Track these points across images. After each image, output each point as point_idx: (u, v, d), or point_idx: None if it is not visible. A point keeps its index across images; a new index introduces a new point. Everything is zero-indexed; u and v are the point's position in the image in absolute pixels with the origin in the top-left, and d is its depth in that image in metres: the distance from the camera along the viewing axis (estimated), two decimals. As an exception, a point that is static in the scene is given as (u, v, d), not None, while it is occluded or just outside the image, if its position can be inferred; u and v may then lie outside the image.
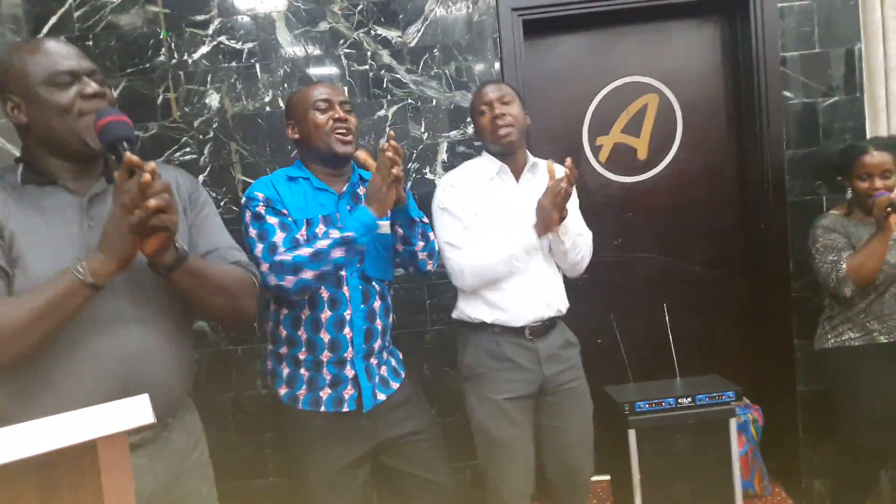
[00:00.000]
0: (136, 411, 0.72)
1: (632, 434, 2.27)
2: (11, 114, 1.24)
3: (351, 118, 1.82)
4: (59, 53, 1.23)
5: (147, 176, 1.06)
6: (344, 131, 1.79)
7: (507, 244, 1.93)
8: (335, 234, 1.65)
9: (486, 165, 2.06)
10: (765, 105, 2.58)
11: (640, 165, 2.78)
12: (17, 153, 2.37)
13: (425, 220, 1.89)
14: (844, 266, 2.20)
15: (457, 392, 2.61)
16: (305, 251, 1.63)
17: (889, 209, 2.10)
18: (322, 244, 1.64)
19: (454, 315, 2.12)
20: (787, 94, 2.58)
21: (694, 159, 2.76)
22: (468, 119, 2.58)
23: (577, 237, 2.00)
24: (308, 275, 1.63)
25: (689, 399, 2.30)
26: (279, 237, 1.69)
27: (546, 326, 2.02)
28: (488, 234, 1.96)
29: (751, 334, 2.79)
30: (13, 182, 1.25)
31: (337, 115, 1.78)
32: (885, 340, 2.27)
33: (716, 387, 2.36)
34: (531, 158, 2.09)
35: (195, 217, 1.41)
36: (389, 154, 1.61)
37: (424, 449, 1.90)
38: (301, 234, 1.73)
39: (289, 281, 1.63)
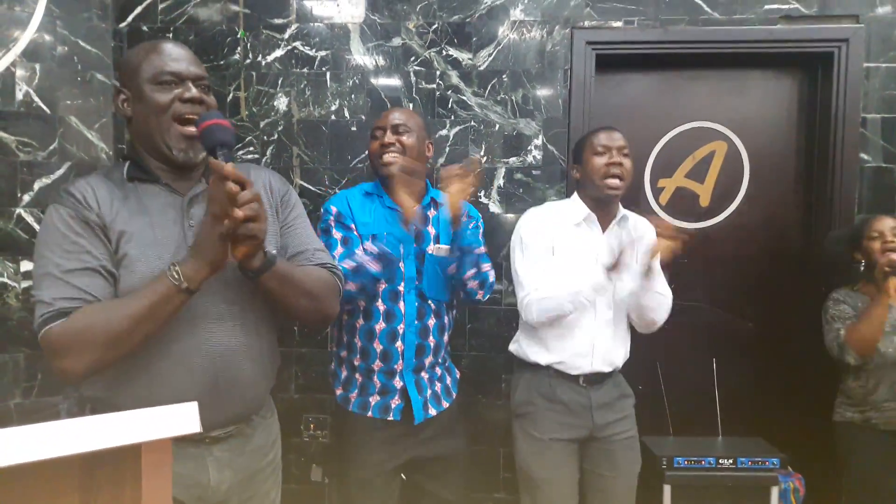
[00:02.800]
0: (183, 418, 0.72)
1: (667, 489, 2.20)
2: (121, 106, 1.30)
3: (404, 139, 1.91)
4: (171, 55, 1.28)
5: (233, 186, 1.09)
6: (387, 154, 1.88)
7: (578, 282, 1.90)
8: (371, 247, 1.74)
9: (573, 210, 2.03)
10: (839, 165, 2.50)
11: (702, 212, 2.71)
12: (91, 136, 2.45)
13: (480, 249, 1.90)
14: (843, 332, 2.18)
15: (488, 421, 2.59)
16: (348, 264, 1.73)
17: (888, 269, 2.07)
18: (361, 258, 1.74)
19: (512, 348, 2.11)
20: (863, 156, 2.49)
21: (758, 212, 2.68)
22: (529, 147, 2.57)
23: (660, 296, 1.97)
24: (351, 287, 1.71)
25: (731, 461, 2.22)
26: (338, 252, 1.82)
27: (602, 377, 2.00)
28: (563, 278, 1.93)
29: (799, 399, 2.67)
30: (118, 180, 1.29)
31: (384, 141, 1.89)
32: (883, 428, 2.20)
33: (760, 451, 2.27)
34: (622, 210, 2.06)
35: (286, 218, 1.44)
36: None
37: (451, 472, 1.97)
38: (367, 247, 1.81)
39: None
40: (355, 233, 1.85)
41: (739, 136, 2.67)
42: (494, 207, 2.59)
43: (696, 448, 2.29)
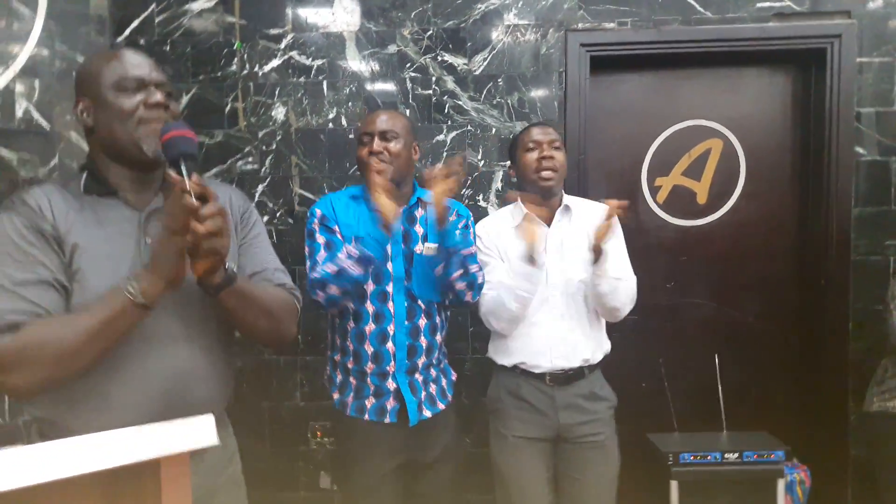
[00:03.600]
0: (201, 432, 0.72)
1: (674, 485, 2.21)
2: (81, 116, 1.26)
3: (390, 146, 1.87)
4: (132, 62, 1.25)
5: (192, 200, 1.05)
6: (375, 163, 1.85)
7: (508, 280, 1.91)
8: (352, 250, 1.72)
9: (512, 214, 2.05)
10: (834, 159, 2.51)
11: (699, 210, 2.72)
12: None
13: (468, 250, 1.87)
14: None
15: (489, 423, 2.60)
16: (330, 268, 1.73)
17: None
18: (342, 262, 1.72)
19: (488, 354, 2.12)
20: (859, 150, 2.50)
21: (755, 208, 2.70)
22: (527, 150, 2.58)
23: (616, 281, 1.91)
24: (333, 290, 1.73)
25: (736, 455, 2.23)
26: (321, 256, 1.82)
27: (569, 376, 1.97)
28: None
29: (803, 392, 2.69)
30: (76, 191, 1.24)
31: (372, 148, 1.86)
32: None
33: (764, 444, 2.28)
34: (566, 200, 2.04)
35: (244, 236, 1.41)
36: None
37: (445, 473, 1.96)
38: (348, 250, 1.78)
39: (320, 297, 1.76)
40: (339, 236, 1.84)
41: (735, 133, 2.69)
42: (493, 210, 2.60)
43: (702, 443, 2.30)
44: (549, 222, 2.02)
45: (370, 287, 1.84)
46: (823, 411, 2.59)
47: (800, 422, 2.67)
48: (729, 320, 2.72)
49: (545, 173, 1.95)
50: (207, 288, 1.19)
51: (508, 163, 2.16)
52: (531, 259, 1.83)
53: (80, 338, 1.09)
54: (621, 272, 1.96)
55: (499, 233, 2.02)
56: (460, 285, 1.86)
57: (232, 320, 1.30)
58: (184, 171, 1.10)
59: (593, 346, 2.00)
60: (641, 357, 2.66)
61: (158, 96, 1.24)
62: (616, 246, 1.99)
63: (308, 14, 2.61)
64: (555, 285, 1.96)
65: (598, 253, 1.84)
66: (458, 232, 1.90)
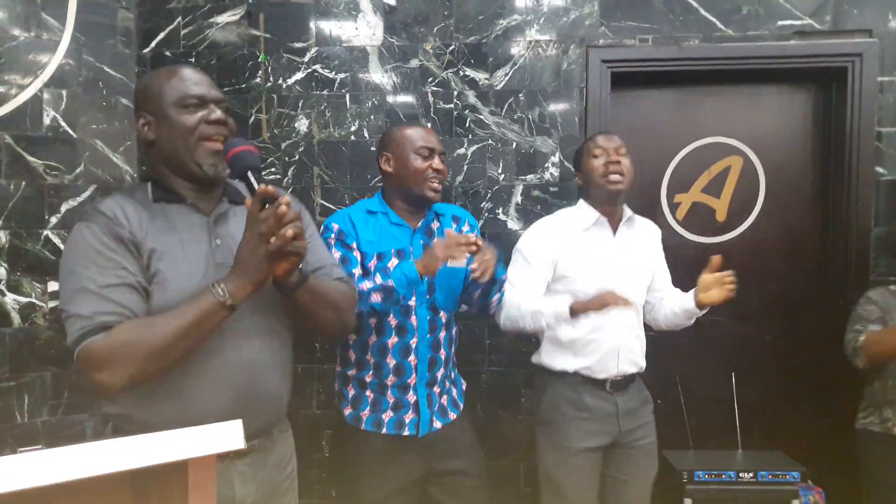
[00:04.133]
0: (228, 435, 0.74)
1: (687, 503, 2.20)
2: (142, 130, 1.32)
3: (445, 169, 1.91)
4: (193, 80, 1.31)
5: (284, 208, 1.14)
6: (438, 182, 1.87)
7: (542, 302, 1.93)
8: (379, 279, 1.72)
9: (582, 214, 2.06)
10: (855, 179, 2.51)
11: (718, 227, 2.73)
12: (116, 159, 2.50)
13: (505, 276, 1.92)
14: (863, 338, 2.15)
15: (509, 435, 2.61)
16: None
17: None
18: (365, 286, 1.72)
19: (534, 359, 2.12)
20: (879, 169, 2.50)
21: (774, 226, 2.70)
22: (546, 164, 2.60)
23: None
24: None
25: (751, 474, 2.23)
26: None
27: (626, 381, 2.02)
28: (580, 284, 1.97)
29: (818, 412, 2.67)
30: (143, 200, 1.31)
31: (436, 166, 1.87)
32: None
33: (780, 465, 2.28)
34: (628, 212, 2.09)
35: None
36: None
37: (468, 487, 1.94)
38: (371, 266, 1.81)
39: None
40: (355, 252, 1.84)
41: (755, 151, 2.69)
42: (512, 224, 2.62)
43: (717, 462, 2.30)
44: (614, 230, 2.06)
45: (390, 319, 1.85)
46: (838, 432, 2.57)
47: (815, 442, 2.66)
48: (746, 338, 2.72)
49: (613, 177, 1.98)
50: (284, 287, 1.27)
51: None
52: (576, 316, 1.88)
53: (169, 337, 1.16)
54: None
55: (564, 232, 2.03)
56: (493, 307, 1.93)
57: (304, 315, 1.38)
58: (253, 183, 1.19)
59: (643, 352, 2.09)
60: (658, 373, 2.65)
61: (218, 113, 1.31)
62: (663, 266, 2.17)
63: (331, 28, 2.65)
64: (622, 293, 1.97)
65: (705, 307, 1.98)
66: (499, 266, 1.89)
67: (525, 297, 1.95)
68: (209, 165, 1.29)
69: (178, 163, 1.30)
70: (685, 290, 2.71)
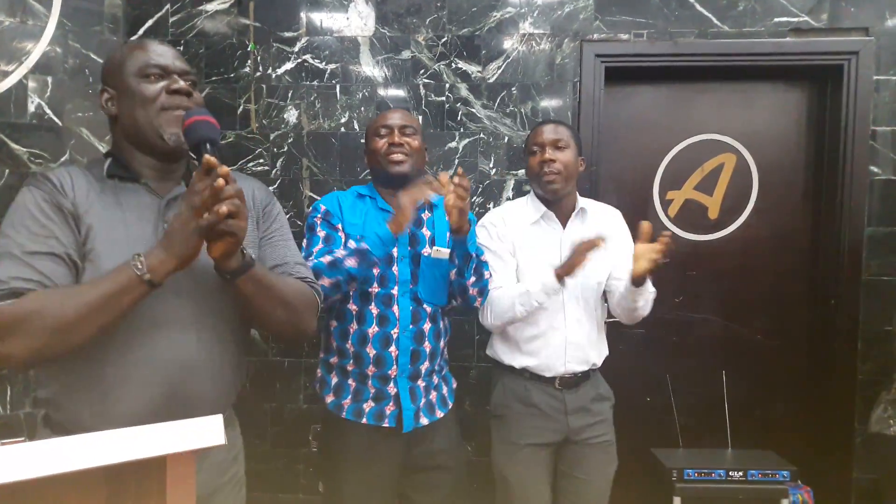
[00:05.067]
0: (208, 431, 0.73)
1: (677, 501, 2.21)
2: (105, 105, 1.28)
3: (411, 141, 1.86)
4: (156, 51, 1.26)
5: (221, 181, 1.05)
6: (397, 154, 1.84)
7: (526, 283, 1.90)
8: (352, 244, 1.70)
9: (529, 208, 2.03)
10: (848, 177, 2.50)
11: (710, 225, 2.71)
12: (102, 147, 2.47)
13: (483, 257, 1.89)
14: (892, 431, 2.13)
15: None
16: (325, 259, 1.70)
17: None
18: (339, 253, 1.70)
19: (488, 351, 2.11)
20: (873, 168, 2.49)
21: (766, 224, 2.68)
22: (538, 159, 2.57)
23: (648, 294, 1.94)
24: (325, 282, 1.67)
25: (741, 473, 2.22)
26: (318, 248, 1.79)
27: (578, 379, 1.98)
28: (530, 279, 1.93)
29: (809, 411, 2.66)
30: (98, 175, 1.25)
31: (394, 140, 1.84)
32: None
33: (770, 464, 2.27)
34: (581, 202, 2.04)
35: (266, 229, 1.41)
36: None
37: (445, 483, 1.92)
38: (351, 244, 1.77)
39: None
40: (340, 233, 1.82)
41: (748, 148, 2.67)
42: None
43: (706, 460, 2.29)
44: (563, 223, 2.01)
45: (375, 289, 1.82)
46: (829, 432, 2.57)
47: (804, 441, 2.65)
48: (737, 337, 2.70)
49: (548, 177, 1.93)
50: (224, 273, 1.18)
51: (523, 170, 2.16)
52: (563, 279, 1.83)
53: (81, 310, 1.08)
54: (650, 286, 1.94)
55: (515, 225, 2.00)
56: (473, 290, 1.88)
57: (249, 310, 1.28)
58: (208, 156, 1.09)
59: (599, 350, 2.04)
60: (648, 371, 2.65)
61: (181, 83, 1.25)
62: (629, 248, 1.99)
63: (322, 18, 2.61)
64: (572, 290, 1.95)
65: (641, 280, 1.84)
66: (473, 239, 1.87)
67: (505, 283, 1.93)
68: (170, 134, 1.22)
69: (139, 135, 1.24)
70: (677, 288, 2.73)
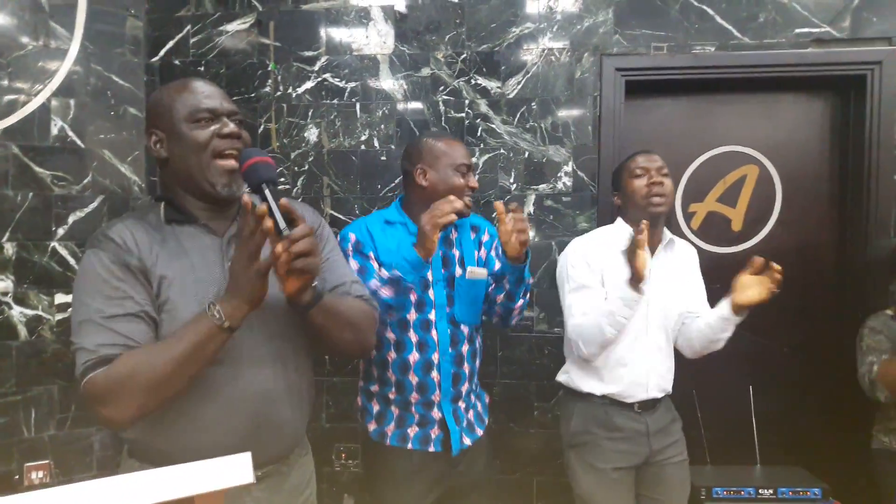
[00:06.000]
0: (236, 470, 0.72)
1: (706, 520, 2.16)
2: (154, 148, 1.29)
3: (474, 183, 1.89)
4: (204, 93, 1.27)
5: (269, 223, 1.07)
6: (468, 198, 1.84)
7: (606, 304, 1.88)
8: (384, 273, 1.69)
9: (619, 235, 2.01)
10: (874, 188, 2.47)
11: (734, 237, 2.69)
12: (123, 169, 2.48)
13: (530, 280, 1.89)
14: (877, 368, 2.11)
15: (521, 449, 2.57)
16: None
17: None
18: (373, 284, 1.69)
19: (561, 378, 2.08)
20: (899, 179, 2.46)
21: (791, 236, 2.66)
22: (559, 173, 2.56)
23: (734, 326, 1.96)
24: None
25: (771, 491, 2.19)
26: None
27: (654, 402, 2.00)
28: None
29: (837, 426, 2.62)
30: (155, 222, 1.27)
31: (472, 184, 1.87)
32: None
33: (801, 481, 2.23)
34: (667, 234, 2.04)
35: (321, 252, 1.42)
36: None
37: (487, 500, 1.94)
38: (383, 274, 1.76)
39: None
40: (373, 262, 1.81)
41: (771, 160, 2.65)
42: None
43: (735, 477, 2.26)
44: (652, 252, 2.01)
45: (412, 316, 1.81)
46: (857, 447, 2.52)
47: (834, 456, 2.61)
48: (764, 350, 2.67)
49: (655, 199, 1.94)
50: (298, 306, 1.22)
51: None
52: (638, 286, 1.81)
53: (170, 365, 1.12)
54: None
55: (603, 256, 1.98)
56: (516, 313, 1.90)
57: (320, 336, 1.32)
58: (268, 196, 1.13)
59: (672, 377, 2.07)
60: (674, 387, 2.61)
61: (231, 126, 1.26)
62: (702, 285, 2.10)
63: (342, 36, 2.62)
64: (656, 317, 1.97)
65: (743, 310, 1.88)
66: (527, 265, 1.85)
67: (591, 313, 1.90)
68: (223, 185, 1.25)
69: (191, 181, 1.26)
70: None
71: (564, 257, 2.04)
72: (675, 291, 2.01)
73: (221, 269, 1.26)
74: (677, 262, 2.05)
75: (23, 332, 2.36)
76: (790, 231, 2.66)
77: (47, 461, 2.38)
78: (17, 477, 2.34)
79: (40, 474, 2.38)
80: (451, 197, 1.71)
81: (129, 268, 1.20)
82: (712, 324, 1.94)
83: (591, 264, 1.96)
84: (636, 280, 1.79)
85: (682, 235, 2.69)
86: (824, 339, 2.65)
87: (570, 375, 2.04)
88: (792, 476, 2.28)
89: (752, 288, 1.85)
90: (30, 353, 2.37)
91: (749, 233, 2.68)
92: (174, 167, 1.28)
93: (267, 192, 1.13)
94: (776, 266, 1.81)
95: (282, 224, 1.09)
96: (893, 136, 2.45)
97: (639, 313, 1.91)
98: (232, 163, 1.24)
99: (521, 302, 1.87)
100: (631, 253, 1.78)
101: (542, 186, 2.58)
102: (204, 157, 1.24)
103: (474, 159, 2.58)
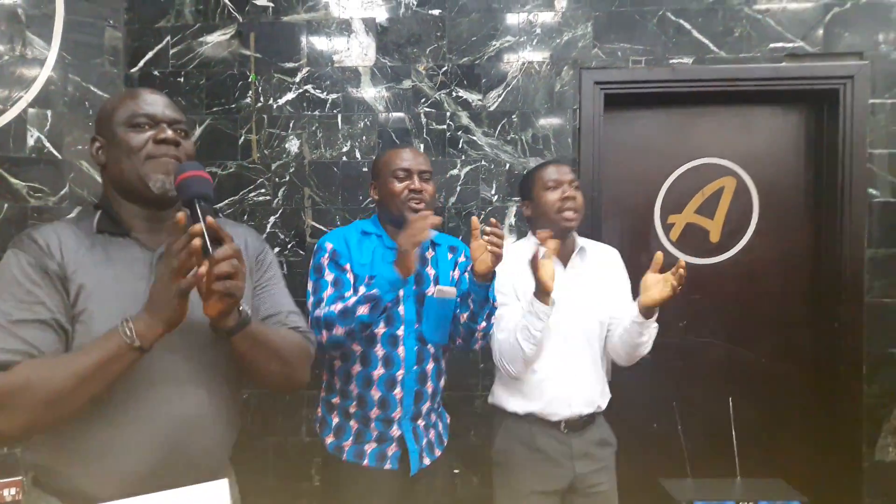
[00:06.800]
0: (213, 497, 0.71)
1: (687, 533, 2.16)
2: (95, 154, 1.26)
3: (427, 187, 1.84)
4: (146, 100, 1.25)
5: (197, 241, 1.03)
6: (418, 200, 1.81)
7: (517, 320, 1.85)
8: (362, 290, 1.67)
9: (530, 248, 1.97)
10: (847, 200, 2.51)
11: (712, 248, 2.72)
12: (101, 180, 2.45)
13: (496, 304, 1.85)
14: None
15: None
16: (337, 307, 1.67)
17: None
18: (350, 301, 1.66)
19: (490, 399, 2.05)
20: (872, 191, 2.50)
21: (768, 247, 2.69)
22: (540, 185, 2.57)
23: (654, 328, 1.90)
24: (338, 331, 1.66)
25: (752, 503, 2.19)
26: (327, 293, 1.75)
27: (584, 422, 1.94)
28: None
29: (816, 436, 2.65)
30: (87, 229, 1.23)
31: (413, 186, 1.81)
32: None
33: (780, 493, 2.23)
34: (580, 242, 2.02)
35: (260, 278, 1.39)
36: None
37: None
38: (361, 290, 1.74)
39: (324, 336, 1.68)
40: (349, 274, 1.79)
41: (748, 172, 2.69)
42: (506, 245, 2.58)
43: (716, 491, 2.25)
44: (564, 263, 1.99)
45: (381, 330, 1.79)
46: (836, 457, 2.55)
47: (813, 467, 2.63)
48: (741, 360, 2.70)
49: (568, 213, 1.91)
50: (220, 331, 1.16)
51: (520, 199, 2.12)
52: (545, 296, 1.78)
53: (70, 380, 1.05)
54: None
55: (516, 271, 1.95)
56: (479, 335, 1.84)
57: (243, 365, 1.26)
58: (199, 213, 1.07)
59: (603, 391, 2.00)
60: (652, 397, 2.63)
61: (168, 132, 1.22)
62: (627, 288, 2.03)
63: (323, 48, 2.62)
64: (573, 329, 1.93)
65: (651, 312, 1.82)
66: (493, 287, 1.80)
67: (509, 329, 1.88)
68: (155, 181, 1.20)
69: (126, 183, 1.22)
70: (680, 312, 2.72)
71: None
72: (593, 300, 1.97)
73: (147, 283, 1.18)
74: (592, 270, 2.01)
75: (-3, 345, 2.32)
76: (767, 242, 2.70)
77: (20, 478, 2.32)
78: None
79: (13, 491, 2.32)
80: (425, 213, 1.70)
81: (47, 273, 1.14)
82: (628, 328, 1.89)
83: (503, 281, 1.92)
84: (543, 292, 1.77)
85: (661, 247, 2.71)
86: (802, 349, 2.69)
87: (496, 396, 2.00)
88: (772, 488, 2.28)
89: (654, 287, 1.78)
90: (3, 366, 2.33)
91: (727, 244, 2.71)
92: (111, 172, 1.24)
93: (198, 209, 1.08)
94: (682, 262, 1.75)
95: (207, 244, 1.05)
96: (865, 149, 2.50)
97: (556, 325, 1.87)
98: (166, 160, 1.21)
99: (484, 324, 1.82)
100: (534, 264, 1.76)
101: (520, 199, 2.58)
102: (137, 160, 1.20)
103: (455, 171, 2.59)
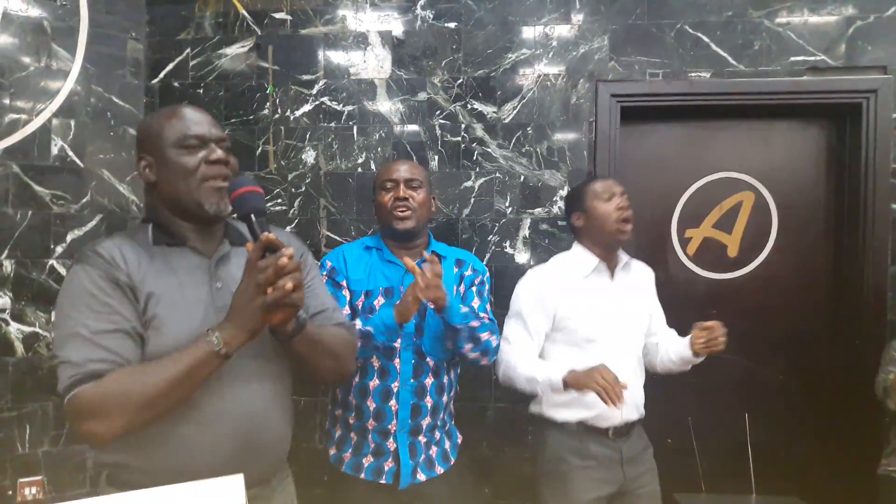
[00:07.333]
0: (229, 491, 0.73)
1: (701, 552, 2.14)
2: (143, 172, 1.31)
3: (415, 195, 1.86)
4: (192, 119, 1.29)
5: (285, 259, 1.11)
6: (402, 210, 1.83)
7: (537, 369, 1.86)
8: (358, 324, 1.70)
9: (581, 261, 2.01)
10: (870, 216, 2.46)
11: (730, 263, 2.68)
12: (122, 189, 2.50)
13: (473, 323, 1.78)
14: (892, 378, 2.10)
15: (515, 474, 2.55)
16: None
17: None
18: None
19: (533, 409, 2.05)
20: (895, 206, 2.45)
21: (787, 263, 2.65)
22: (554, 198, 2.57)
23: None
24: None
25: (767, 520, 2.16)
26: None
27: (628, 427, 1.98)
28: (582, 333, 1.93)
29: (834, 454, 2.60)
30: (143, 242, 1.29)
31: (399, 195, 1.84)
32: None
33: (796, 512, 2.20)
34: (623, 256, 2.06)
35: (304, 278, 1.43)
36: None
37: None
38: (358, 304, 1.79)
39: None
40: (344, 291, 1.82)
41: (767, 186, 2.65)
42: (520, 258, 2.58)
43: (731, 508, 2.24)
44: (611, 275, 2.03)
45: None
46: (854, 476, 2.50)
47: (829, 485, 2.58)
48: (758, 377, 2.65)
49: (627, 226, 1.96)
50: (280, 335, 1.24)
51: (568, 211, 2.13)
52: (567, 387, 1.79)
53: (162, 386, 1.13)
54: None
55: (560, 283, 1.96)
56: (473, 356, 1.82)
57: (300, 364, 1.35)
58: (256, 227, 1.17)
59: (644, 399, 2.06)
60: (667, 412, 2.59)
61: (219, 153, 1.28)
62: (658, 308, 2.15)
63: (340, 60, 2.65)
64: (622, 338, 1.98)
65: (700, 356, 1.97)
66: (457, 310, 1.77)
67: (521, 357, 1.90)
68: (210, 204, 1.26)
69: (180, 204, 1.28)
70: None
71: (519, 292, 2.01)
72: (637, 312, 2.04)
73: (209, 288, 1.28)
74: (635, 283, 2.07)
75: (19, 348, 2.38)
76: (787, 258, 2.65)
77: (40, 477, 2.38)
78: (10, 492, 2.34)
79: (34, 490, 2.38)
80: (437, 269, 1.70)
81: (118, 284, 1.20)
82: (675, 360, 2.03)
83: (544, 304, 1.93)
84: (570, 386, 1.78)
85: (678, 261, 2.69)
86: (820, 367, 2.64)
87: (541, 406, 2.00)
88: (787, 506, 2.26)
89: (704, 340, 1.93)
90: (26, 369, 2.39)
91: (745, 259, 2.68)
92: (162, 191, 1.29)
93: (255, 222, 1.17)
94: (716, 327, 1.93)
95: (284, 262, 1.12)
96: (889, 164, 2.45)
97: (605, 334, 1.94)
98: (220, 182, 1.27)
99: (468, 346, 1.78)
100: (592, 380, 1.72)
101: (537, 210, 2.58)
102: (192, 182, 1.26)
103: (469, 183, 2.60)
